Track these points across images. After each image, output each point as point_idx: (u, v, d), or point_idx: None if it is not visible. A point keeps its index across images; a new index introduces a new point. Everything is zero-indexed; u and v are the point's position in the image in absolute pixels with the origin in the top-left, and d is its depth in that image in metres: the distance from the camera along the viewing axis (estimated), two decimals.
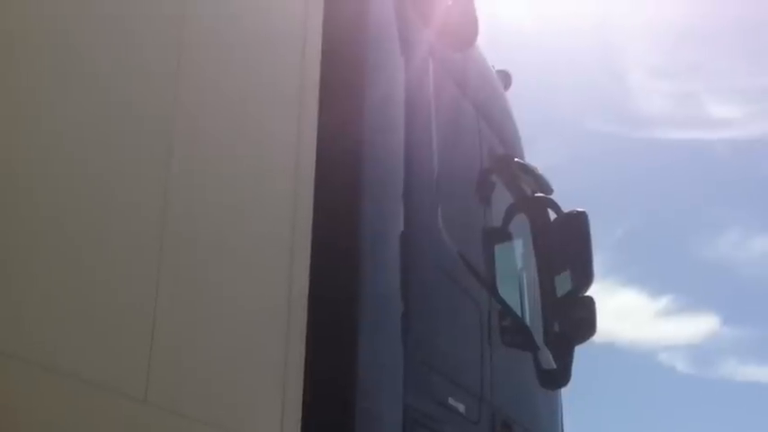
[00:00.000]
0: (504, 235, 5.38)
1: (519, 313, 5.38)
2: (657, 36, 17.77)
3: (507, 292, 5.13)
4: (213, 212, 2.97)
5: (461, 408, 4.34)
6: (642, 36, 17.75)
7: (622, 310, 19.28)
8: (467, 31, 4.88)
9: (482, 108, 5.23)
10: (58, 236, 2.34)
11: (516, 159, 5.55)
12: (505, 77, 5.89)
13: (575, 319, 5.56)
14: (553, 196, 5.69)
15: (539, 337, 5.49)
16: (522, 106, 6.20)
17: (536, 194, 5.66)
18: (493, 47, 5.79)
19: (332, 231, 3.52)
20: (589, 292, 5.52)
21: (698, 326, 22.72)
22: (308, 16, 3.66)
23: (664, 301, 23.71)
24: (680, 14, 16.45)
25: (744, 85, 18.33)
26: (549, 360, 5.48)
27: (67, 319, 2.34)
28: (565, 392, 5.82)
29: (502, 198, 5.38)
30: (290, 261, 3.32)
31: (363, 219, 3.81)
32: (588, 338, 5.63)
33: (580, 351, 5.60)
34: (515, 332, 5.14)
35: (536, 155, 6.09)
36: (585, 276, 5.49)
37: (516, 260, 5.68)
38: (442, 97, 4.63)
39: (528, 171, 5.60)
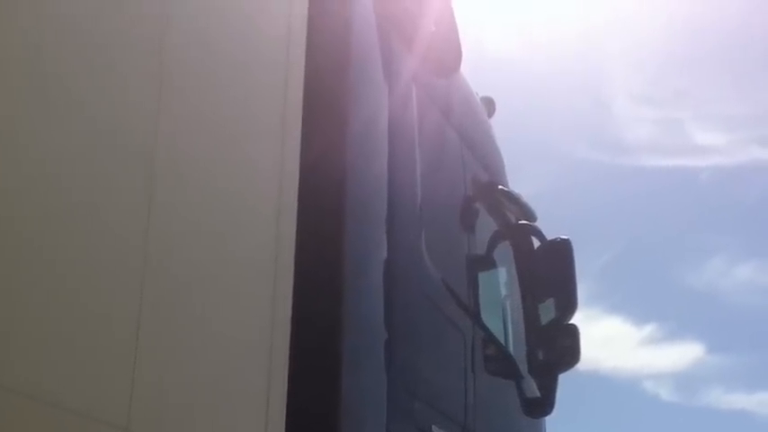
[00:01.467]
0: (487, 262, 5.36)
1: (503, 341, 5.35)
2: (642, 63, 17.88)
3: (491, 320, 5.10)
4: (196, 238, 2.94)
5: None
6: (627, 63, 17.86)
7: (606, 338, 19.24)
8: (451, 57, 4.89)
9: (466, 134, 5.22)
10: (39, 263, 2.31)
11: (500, 186, 5.53)
12: (489, 104, 5.90)
13: (559, 347, 5.54)
14: (537, 223, 5.69)
15: (522, 365, 5.46)
16: (507, 133, 6.21)
17: (520, 222, 5.65)
18: (477, 73, 5.80)
19: (315, 257, 3.50)
20: (573, 320, 5.52)
21: (683, 354, 22.65)
22: (291, 41, 3.65)
23: (648, 329, 23.67)
24: (665, 41, 16.60)
25: (729, 111, 18.43)
26: (532, 388, 5.46)
27: (49, 347, 2.30)
28: (549, 421, 5.79)
29: (486, 225, 5.36)
30: (272, 287, 3.29)
31: (347, 245, 3.78)
32: (572, 366, 5.60)
33: (564, 379, 5.58)
34: (499, 360, 5.11)
35: (520, 182, 6.10)
36: (569, 304, 5.48)
37: (500, 288, 5.65)
38: (425, 123, 4.62)
39: (512, 198, 5.59)
